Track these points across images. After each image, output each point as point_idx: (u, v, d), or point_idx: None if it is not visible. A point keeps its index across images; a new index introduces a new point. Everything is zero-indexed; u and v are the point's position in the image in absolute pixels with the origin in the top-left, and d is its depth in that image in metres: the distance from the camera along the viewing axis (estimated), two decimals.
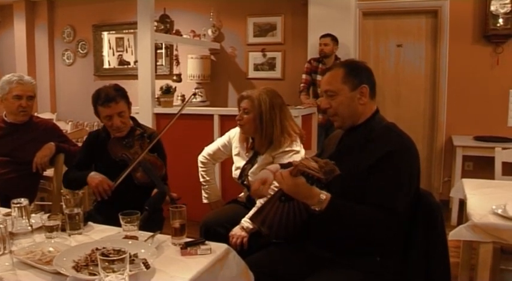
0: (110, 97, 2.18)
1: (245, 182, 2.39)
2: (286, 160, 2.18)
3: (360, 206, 1.51)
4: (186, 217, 1.64)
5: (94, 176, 2.18)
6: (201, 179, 2.65)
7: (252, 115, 2.29)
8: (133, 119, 2.42)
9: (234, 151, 2.51)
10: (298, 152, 2.30)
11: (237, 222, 2.22)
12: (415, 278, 1.62)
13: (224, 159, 2.69)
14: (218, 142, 2.63)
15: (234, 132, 2.54)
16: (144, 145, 2.23)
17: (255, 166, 2.34)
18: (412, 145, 1.62)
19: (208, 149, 2.64)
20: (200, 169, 2.66)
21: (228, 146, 2.56)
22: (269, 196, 1.71)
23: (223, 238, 2.11)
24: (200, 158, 2.66)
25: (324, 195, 1.50)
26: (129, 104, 2.30)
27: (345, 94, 1.66)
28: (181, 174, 3.32)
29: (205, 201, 2.65)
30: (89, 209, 2.38)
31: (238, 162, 2.46)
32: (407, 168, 1.57)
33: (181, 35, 4.90)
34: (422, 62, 4.68)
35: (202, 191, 2.66)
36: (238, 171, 2.43)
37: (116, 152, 2.23)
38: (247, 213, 2.22)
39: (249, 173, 2.36)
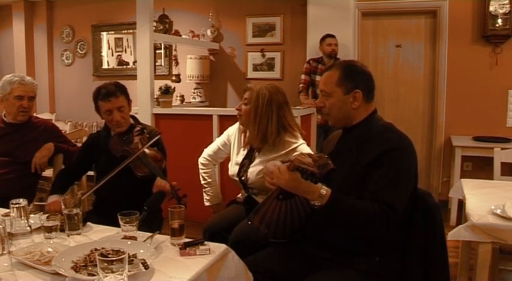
0: (110, 92, 2.24)
1: (243, 178, 2.37)
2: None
3: (360, 202, 1.51)
4: (184, 218, 1.64)
5: (51, 199, 2.22)
6: (203, 182, 2.63)
7: (249, 107, 2.31)
8: (134, 118, 2.44)
9: (233, 147, 2.51)
10: (303, 143, 2.29)
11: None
12: (414, 278, 1.63)
13: (224, 158, 2.67)
14: (217, 142, 2.63)
15: (233, 130, 2.54)
16: (144, 140, 2.25)
17: (253, 163, 2.33)
18: (410, 144, 1.62)
19: (209, 150, 2.63)
20: (201, 171, 2.64)
21: (227, 145, 2.55)
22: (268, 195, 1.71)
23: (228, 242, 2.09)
24: (201, 159, 2.65)
25: (325, 190, 1.50)
26: (129, 100, 2.34)
27: (337, 97, 1.67)
28: (180, 174, 3.30)
29: (207, 204, 2.63)
30: (88, 210, 2.38)
31: (237, 157, 2.45)
32: (406, 166, 1.58)
33: (180, 35, 4.89)
34: (421, 62, 4.68)
35: (204, 194, 2.63)
36: (237, 167, 2.41)
37: (116, 148, 2.25)
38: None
39: (248, 170, 2.33)
